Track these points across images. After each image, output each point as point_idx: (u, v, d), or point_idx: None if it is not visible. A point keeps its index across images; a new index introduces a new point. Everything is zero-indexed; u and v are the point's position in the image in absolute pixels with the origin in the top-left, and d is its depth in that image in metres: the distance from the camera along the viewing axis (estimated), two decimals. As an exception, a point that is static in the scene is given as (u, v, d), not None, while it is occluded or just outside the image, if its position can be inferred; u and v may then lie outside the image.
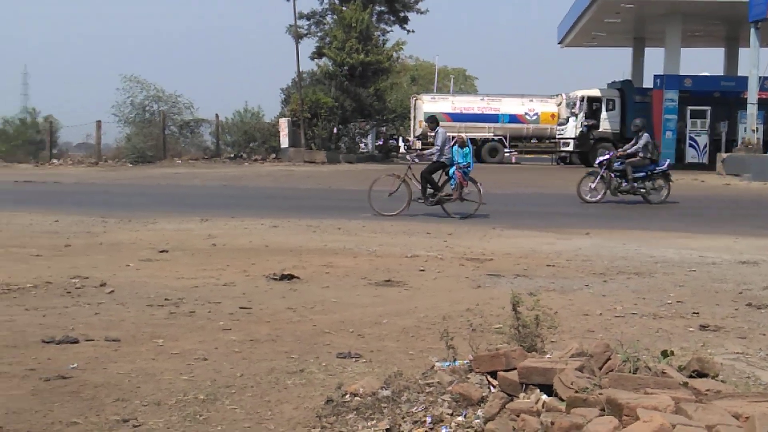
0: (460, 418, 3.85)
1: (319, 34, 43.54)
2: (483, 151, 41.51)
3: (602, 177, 19.36)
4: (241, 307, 7.06)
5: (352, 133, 41.95)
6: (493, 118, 42.55)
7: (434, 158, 16.59)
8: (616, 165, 19.30)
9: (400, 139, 49.11)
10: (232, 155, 37.71)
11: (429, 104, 42.81)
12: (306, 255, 10.41)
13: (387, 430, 3.83)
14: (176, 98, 38.38)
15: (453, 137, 16.71)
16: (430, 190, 16.40)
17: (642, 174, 19.31)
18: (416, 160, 17.62)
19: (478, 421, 3.78)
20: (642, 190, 19.31)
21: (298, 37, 39.97)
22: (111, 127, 38.54)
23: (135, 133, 36.65)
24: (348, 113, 39.69)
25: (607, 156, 19.65)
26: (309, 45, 43.96)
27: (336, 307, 7.20)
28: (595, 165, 20.25)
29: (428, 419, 3.85)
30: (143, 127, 36.97)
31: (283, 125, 38.12)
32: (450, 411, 3.92)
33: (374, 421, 3.93)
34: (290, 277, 8.55)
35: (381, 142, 46.07)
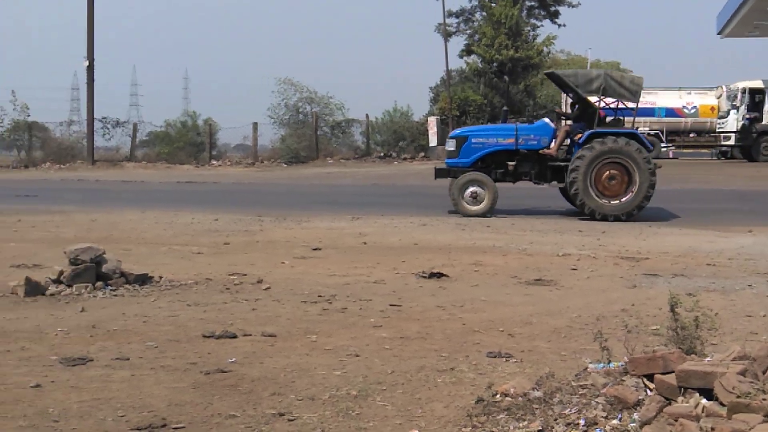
0: (614, 422, 3.74)
1: (468, 31, 43.47)
2: (638, 146, 40.29)
3: None
4: (391, 305, 7.12)
5: (502, 130, 41.53)
6: (648, 112, 40.98)
7: None
8: None
9: (551, 135, 48.29)
10: (382, 154, 38.13)
11: (581, 99, 41.88)
12: (455, 253, 10.40)
13: (539, 431, 3.77)
14: (328, 99, 39.19)
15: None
16: None
17: None
18: None
19: (634, 425, 3.67)
20: None
21: (447, 36, 40.02)
22: (267, 128, 39.83)
23: (289, 134, 37.62)
24: (497, 110, 39.37)
25: None
26: (458, 43, 44.01)
27: (485, 306, 7.16)
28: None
29: (582, 422, 3.77)
30: (297, 128, 37.91)
31: (432, 124, 38.10)
32: (604, 414, 3.82)
33: (525, 422, 3.87)
34: (439, 275, 8.56)
35: (531, 139, 45.46)
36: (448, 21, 41.01)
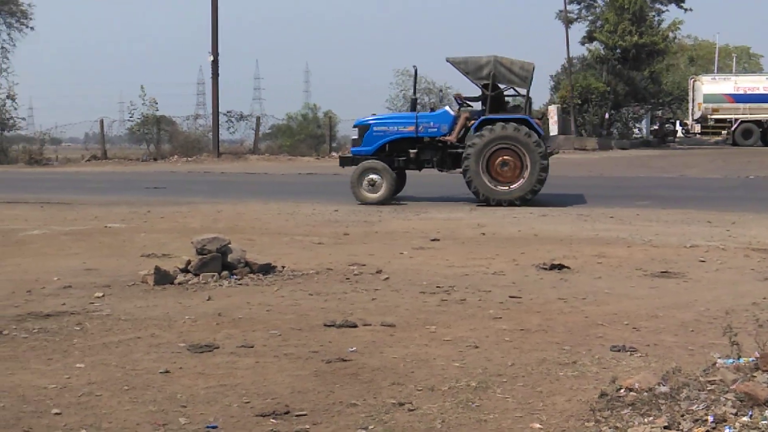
0: (745, 419, 3.60)
1: (589, 17, 42.56)
2: (770, 133, 38.60)
3: None
4: (510, 296, 7.06)
5: (625, 118, 40.72)
6: (776, 99, 39.28)
7: None
8: None
9: (678, 123, 46.84)
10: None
11: (709, 85, 40.43)
12: (576, 244, 10.22)
13: (665, 427, 3.66)
14: (446, 90, 39.17)
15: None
16: None
17: None
18: None
19: (766, 422, 3.52)
20: None
21: (568, 22, 39.33)
22: (387, 119, 39.96)
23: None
24: (621, 98, 38.54)
25: None
26: (579, 29, 43.15)
27: (609, 299, 7.00)
28: None
29: (710, 418, 3.64)
30: (415, 118, 38.02)
31: (553, 112, 37.70)
32: (734, 411, 3.68)
33: (651, 418, 3.77)
34: (560, 266, 8.42)
35: (656, 127, 44.25)
36: (569, 7, 40.32)
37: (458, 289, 7.34)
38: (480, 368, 4.92)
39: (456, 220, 13.08)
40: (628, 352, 5.27)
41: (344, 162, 17.14)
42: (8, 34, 40.95)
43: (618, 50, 38.71)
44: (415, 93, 16.74)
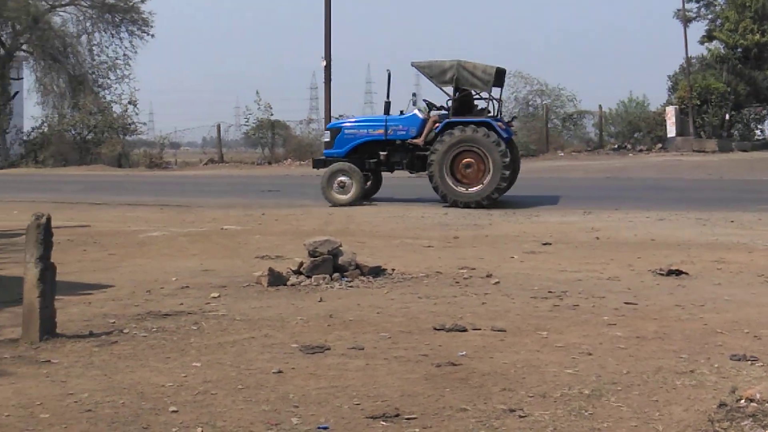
0: None
1: (709, 16, 41.26)
2: None
3: None
4: (626, 303, 6.89)
5: (747, 119, 39.23)
6: None
7: None
8: None
9: (803, 124, 44.85)
10: (616, 146, 37.02)
11: (838, 83, 38.55)
12: (695, 249, 9.91)
13: (789, 442, 3.51)
14: (559, 91, 38.56)
15: None
16: None
17: None
18: None
19: None
20: None
21: (686, 21, 38.22)
22: (496, 122, 39.64)
23: (519, 128, 37.38)
24: (742, 98, 37.17)
25: None
26: (698, 29, 41.86)
27: (728, 306, 6.76)
28: None
29: (839, 434, 3.47)
30: (527, 121, 37.56)
31: (670, 114, 36.64)
32: None
33: (773, 431, 3.62)
34: (678, 272, 8.19)
35: (780, 128, 42.46)
36: (687, 6, 39.15)
37: (571, 295, 7.22)
38: (593, 375, 4.82)
39: (569, 224, 12.88)
40: (749, 362, 5.08)
41: (317, 164, 17.50)
42: (130, 42, 42.39)
43: (739, 49, 37.40)
44: (388, 96, 16.92)
